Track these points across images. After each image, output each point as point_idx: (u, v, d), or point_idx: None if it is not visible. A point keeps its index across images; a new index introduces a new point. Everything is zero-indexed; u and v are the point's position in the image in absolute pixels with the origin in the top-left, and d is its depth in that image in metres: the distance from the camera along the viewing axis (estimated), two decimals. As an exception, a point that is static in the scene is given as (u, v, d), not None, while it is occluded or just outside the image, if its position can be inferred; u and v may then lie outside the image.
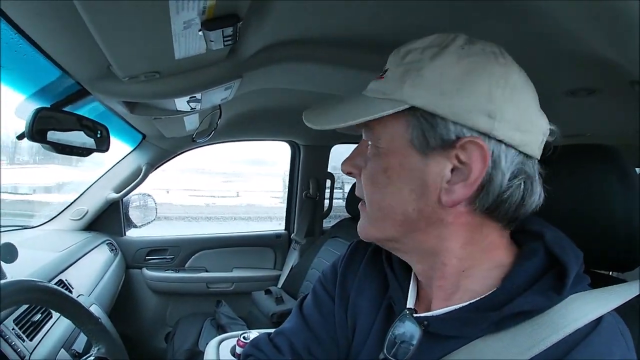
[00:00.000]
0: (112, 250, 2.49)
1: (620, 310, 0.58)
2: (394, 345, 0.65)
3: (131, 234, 2.80)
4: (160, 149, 2.53)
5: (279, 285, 2.83)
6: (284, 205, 3.24)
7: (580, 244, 0.61)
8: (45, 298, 1.03)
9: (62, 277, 1.70)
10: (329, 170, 3.08)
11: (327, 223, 3.18)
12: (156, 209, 2.85)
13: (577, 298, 0.57)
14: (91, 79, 1.07)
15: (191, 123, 1.76)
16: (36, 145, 1.22)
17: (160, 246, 2.83)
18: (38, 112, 1.15)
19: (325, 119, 0.65)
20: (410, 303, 0.69)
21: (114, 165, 2.52)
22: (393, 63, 0.62)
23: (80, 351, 1.44)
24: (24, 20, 0.78)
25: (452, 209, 0.59)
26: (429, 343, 0.62)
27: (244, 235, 3.11)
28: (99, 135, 1.43)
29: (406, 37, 0.63)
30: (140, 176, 2.51)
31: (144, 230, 2.82)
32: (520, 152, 0.57)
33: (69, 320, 1.12)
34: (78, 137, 1.34)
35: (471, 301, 0.60)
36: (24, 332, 1.22)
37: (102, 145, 1.45)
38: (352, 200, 2.42)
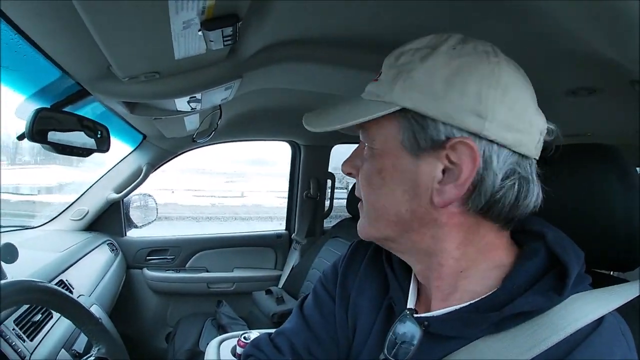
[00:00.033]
0: (113, 250, 2.49)
1: (621, 310, 0.58)
2: (395, 345, 0.65)
3: (132, 234, 2.80)
4: (161, 149, 2.53)
5: (280, 286, 2.84)
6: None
7: (580, 243, 0.61)
8: (45, 298, 1.03)
9: (63, 277, 1.70)
10: (330, 170, 3.08)
11: (328, 223, 3.18)
12: (157, 209, 2.85)
13: (578, 298, 0.57)
14: (91, 79, 1.07)
15: (191, 123, 1.76)
16: (37, 145, 1.22)
17: (161, 246, 2.83)
18: (38, 112, 1.15)
19: (322, 121, 0.66)
20: (410, 303, 0.69)
21: (114, 166, 2.52)
22: (387, 65, 0.63)
23: (81, 351, 1.44)
24: (24, 20, 0.78)
25: (444, 210, 0.59)
26: (429, 343, 0.62)
27: (244, 235, 3.11)
28: (99, 136, 1.43)
29: (406, 37, 0.63)
30: (141, 176, 2.51)
31: (147, 230, 2.82)
32: (515, 152, 0.57)
33: (69, 321, 1.12)
34: (78, 138, 1.34)
35: (471, 301, 0.60)
36: (24, 333, 1.22)
37: (103, 145, 1.45)
38: (353, 200, 2.41)
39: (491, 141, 0.56)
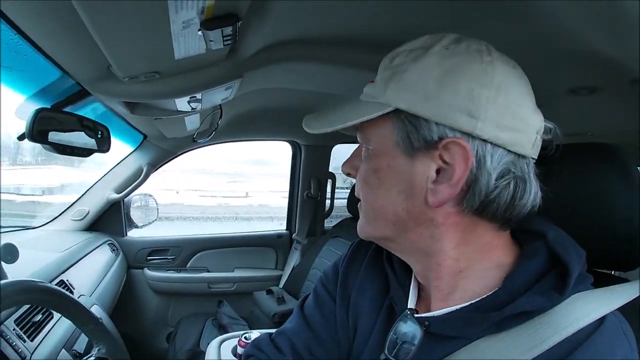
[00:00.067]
0: (114, 250, 2.49)
1: (623, 309, 0.58)
2: (396, 345, 0.65)
3: (132, 234, 2.81)
4: (161, 149, 2.53)
5: (281, 285, 2.84)
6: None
7: (581, 243, 0.61)
8: (45, 298, 1.03)
9: (64, 277, 1.70)
10: (330, 170, 3.08)
11: (329, 223, 3.18)
12: (157, 209, 2.85)
13: (579, 297, 0.57)
14: (91, 79, 1.06)
15: (192, 123, 1.75)
16: (38, 146, 1.22)
17: (162, 246, 2.83)
18: (38, 112, 1.15)
19: (320, 122, 0.67)
20: (411, 303, 0.69)
21: (115, 166, 2.52)
22: (382, 67, 0.63)
23: (81, 351, 1.44)
24: (24, 20, 0.78)
25: (440, 210, 0.59)
26: (430, 343, 0.62)
27: (245, 235, 3.11)
28: (99, 136, 1.43)
29: (406, 37, 0.63)
30: (142, 176, 2.51)
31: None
32: (510, 151, 0.57)
33: (69, 321, 1.12)
34: (79, 138, 1.34)
35: (472, 301, 0.60)
36: (24, 333, 1.22)
37: (103, 145, 1.45)
38: (354, 200, 2.41)
39: (485, 140, 0.56)
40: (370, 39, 1.04)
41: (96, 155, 1.46)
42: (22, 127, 1.17)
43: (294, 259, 2.96)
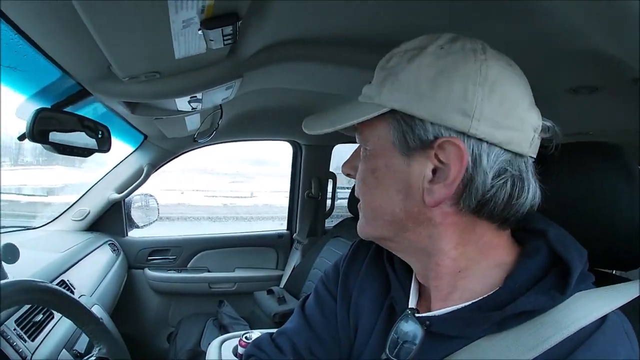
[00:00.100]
0: (114, 250, 2.49)
1: (624, 309, 0.58)
2: (397, 345, 0.64)
3: (133, 234, 2.81)
4: (162, 149, 2.53)
5: (281, 285, 2.83)
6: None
7: (582, 242, 0.61)
8: (46, 298, 1.03)
9: (64, 277, 1.70)
10: (331, 170, 3.08)
11: (330, 223, 3.18)
12: (158, 209, 2.86)
13: (581, 296, 0.57)
14: (92, 79, 1.07)
15: (192, 123, 1.76)
16: (39, 146, 1.22)
17: (163, 246, 2.83)
18: (39, 112, 1.15)
19: (319, 123, 0.67)
20: (412, 303, 0.69)
21: (115, 166, 2.53)
22: (379, 68, 0.64)
23: (82, 352, 1.44)
24: (24, 20, 0.78)
25: (438, 209, 0.59)
26: (431, 343, 0.62)
27: (246, 235, 3.11)
28: (100, 136, 1.43)
29: (406, 37, 0.63)
30: (142, 176, 2.52)
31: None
32: (507, 150, 0.57)
33: (70, 321, 1.12)
34: (79, 138, 1.34)
35: (473, 301, 0.60)
36: (25, 333, 1.22)
37: (104, 145, 1.45)
38: (354, 199, 2.41)
39: (480, 140, 0.56)
40: (370, 39, 1.04)
41: (97, 155, 1.46)
42: (22, 127, 1.17)
43: (294, 259, 2.95)
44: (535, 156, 0.61)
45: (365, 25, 0.99)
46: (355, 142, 0.68)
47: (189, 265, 2.88)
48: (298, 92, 1.66)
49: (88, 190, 2.53)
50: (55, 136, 1.22)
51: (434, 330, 0.62)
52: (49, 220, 2.47)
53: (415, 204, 0.60)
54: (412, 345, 0.63)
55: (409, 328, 0.64)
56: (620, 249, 0.71)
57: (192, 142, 2.22)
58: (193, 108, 1.33)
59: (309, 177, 3.01)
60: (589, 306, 0.56)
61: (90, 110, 1.53)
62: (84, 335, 1.45)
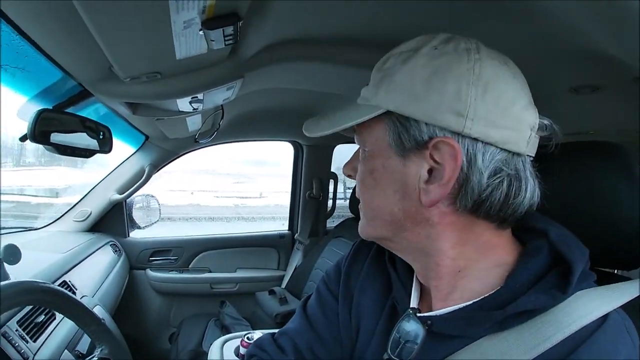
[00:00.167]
0: (116, 251, 2.49)
1: (625, 308, 0.58)
2: (398, 344, 0.64)
3: (135, 235, 2.81)
4: (163, 150, 2.54)
5: (283, 286, 2.83)
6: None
7: (583, 241, 0.61)
8: (48, 299, 1.03)
9: (66, 278, 1.70)
10: (332, 170, 3.08)
11: (331, 223, 3.18)
12: (159, 210, 2.86)
13: (582, 295, 0.57)
14: (93, 80, 1.07)
15: (194, 124, 1.76)
16: (41, 147, 1.22)
17: (164, 247, 2.83)
18: (40, 113, 1.15)
19: (320, 124, 0.68)
20: (413, 303, 0.69)
21: (117, 167, 2.53)
22: (375, 69, 0.64)
23: (84, 352, 1.44)
24: (24, 21, 0.78)
25: (435, 209, 0.59)
26: (432, 343, 0.62)
27: (247, 235, 3.11)
28: (101, 137, 1.43)
29: (406, 37, 0.63)
30: (144, 177, 2.52)
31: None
32: (503, 149, 0.57)
33: (72, 322, 1.12)
34: (81, 139, 1.35)
35: (474, 300, 0.60)
36: (27, 334, 1.22)
37: (105, 146, 1.46)
38: (355, 200, 2.41)
39: (475, 139, 0.56)
40: (371, 39, 1.04)
41: (98, 156, 1.46)
42: (24, 128, 1.17)
43: (296, 259, 2.95)
44: (533, 155, 0.61)
45: (365, 25, 0.99)
46: (355, 143, 0.69)
47: (190, 266, 2.88)
48: (299, 92, 1.66)
49: (90, 191, 2.54)
50: (56, 137, 1.22)
51: (435, 329, 0.62)
52: (51, 221, 2.48)
53: (413, 204, 0.60)
54: (414, 344, 0.63)
55: (411, 328, 0.64)
56: (620, 248, 0.71)
57: (193, 142, 2.22)
58: (194, 108, 1.33)
59: (310, 177, 3.01)
60: (591, 305, 0.56)
61: (91, 111, 1.53)
62: (85, 336, 1.45)
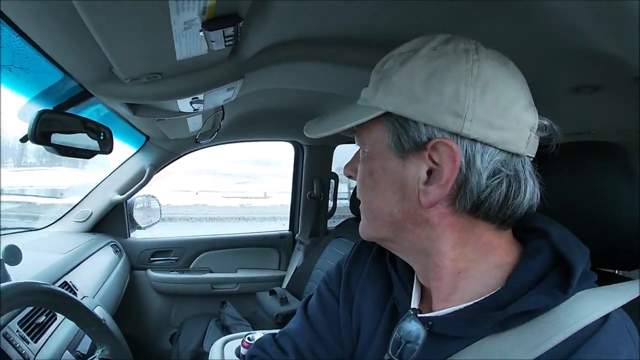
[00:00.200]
0: (117, 251, 2.49)
1: (625, 308, 0.57)
2: (399, 345, 0.64)
3: (135, 235, 2.81)
4: (164, 151, 2.54)
5: (284, 286, 2.83)
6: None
7: (583, 241, 0.61)
8: (48, 300, 1.03)
9: (67, 279, 1.70)
10: (333, 170, 3.08)
11: (332, 223, 3.18)
12: (160, 210, 2.86)
13: (583, 295, 0.57)
14: (93, 81, 1.07)
15: (194, 124, 1.76)
16: (42, 147, 1.22)
17: (165, 247, 2.83)
18: (41, 114, 1.15)
19: (320, 125, 0.68)
20: (414, 303, 0.69)
21: (117, 167, 2.53)
22: (374, 71, 0.64)
23: (85, 353, 1.44)
24: (24, 21, 0.78)
25: (435, 210, 0.59)
26: (433, 343, 0.62)
27: (248, 236, 3.11)
28: (102, 137, 1.43)
29: (406, 37, 0.63)
30: (144, 178, 2.52)
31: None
32: (502, 150, 0.57)
33: (73, 322, 1.12)
34: (81, 139, 1.35)
35: (475, 301, 0.60)
36: (28, 334, 1.22)
37: (106, 147, 1.46)
38: (356, 200, 2.40)
39: (474, 140, 0.56)
40: (371, 39, 1.04)
41: (99, 156, 1.46)
42: (24, 128, 1.17)
43: (296, 260, 2.95)
44: (533, 156, 0.61)
45: (365, 25, 0.99)
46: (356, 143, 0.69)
47: (191, 266, 2.88)
48: (299, 92, 1.67)
49: (90, 192, 2.54)
50: (57, 138, 1.22)
51: (436, 330, 0.62)
52: (52, 222, 2.48)
53: (412, 205, 0.60)
54: (415, 345, 0.63)
55: (412, 328, 0.64)
56: (620, 248, 0.70)
57: (194, 143, 2.22)
58: (195, 109, 1.33)
59: (311, 177, 3.01)
60: (592, 305, 0.55)
61: (92, 112, 1.53)
62: (86, 336, 1.45)
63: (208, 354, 1.59)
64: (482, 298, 0.59)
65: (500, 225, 0.61)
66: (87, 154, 1.39)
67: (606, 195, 0.70)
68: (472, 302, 0.60)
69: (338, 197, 3.25)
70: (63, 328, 1.40)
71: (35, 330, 1.27)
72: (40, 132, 1.15)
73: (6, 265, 1.26)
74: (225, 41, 0.82)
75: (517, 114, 0.56)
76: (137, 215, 2.77)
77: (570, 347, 0.52)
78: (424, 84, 0.56)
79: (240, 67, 1.11)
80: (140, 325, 2.73)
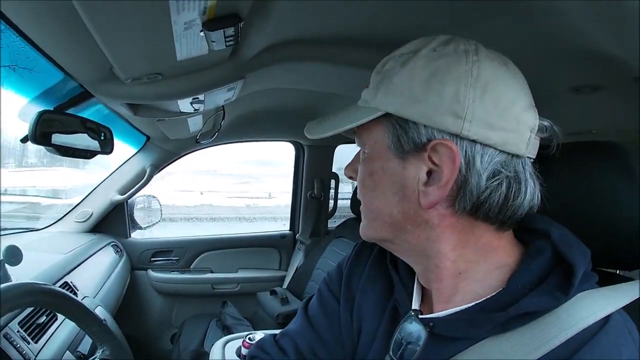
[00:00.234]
0: (117, 252, 2.49)
1: (626, 309, 0.57)
2: (400, 346, 0.64)
3: (136, 235, 2.81)
4: (164, 151, 2.54)
5: (284, 286, 2.84)
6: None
7: (584, 242, 0.61)
8: (49, 301, 1.03)
9: (68, 279, 1.70)
10: (334, 170, 3.08)
11: (332, 223, 3.18)
12: (161, 210, 2.86)
13: (584, 296, 0.57)
14: (93, 81, 1.07)
15: (195, 124, 1.76)
16: (43, 148, 1.22)
17: (166, 247, 2.84)
18: (41, 114, 1.15)
19: (321, 126, 0.68)
20: (415, 305, 0.69)
21: (118, 167, 2.53)
22: (375, 72, 0.64)
23: (86, 353, 1.44)
24: (24, 21, 0.78)
25: (434, 211, 0.59)
26: (435, 345, 0.62)
27: (248, 236, 3.11)
28: (102, 138, 1.43)
29: (406, 37, 0.63)
30: (145, 178, 2.52)
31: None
32: (502, 151, 0.56)
33: (73, 323, 1.12)
34: (82, 140, 1.35)
35: (476, 302, 0.60)
36: (29, 335, 1.22)
37: (106, 147, 1.46)
38: (357, 199, 2.40)
39: (473, 141, 0.55)
40: (371, 39, 1.04)
41: (100, 157, 1.46)
42: (25, 129, 1.17)
43: (297, 260, 2.95)
44: (533, 157, 0.60)
45: (365, 25, 0.99)
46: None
47: (192, 267, 2.88)
48: (300, 92, 1.67)
49: (91, 192, 2.54)
50: (57, 138, 1.22)
51: (437, 331, 0.62)
52: (52, 222, 2.48)
53: (412, 206, 0.60)
54: (416, 346, 0.63)
55: (413, 329, 0.64)
56: (620, 248, 0.70)
57: (194, 143, 2.23)
58: (195, 109, 1.33)
59: (312, 177, 3.01)
60: (593, 306, 0.55)
61: (92, 112, 1.53)
62: (87, 337, 1.45)
63: (209, 354, 1.59)
64: (483, 299, 0.59)
65: (501, 227, 0.61)
66: (87, 154, 1.39)
67: (606, 195, 0.70)
68: (473, 304, 0.60)
69: (342, 197, 3.25)
70: (64, 328, 1.40)
71: (36, 331, 1.27)
72: (40, 133, 1.15)
73: (7, 266, 1.26)
74: (225, 41, 0.82)
75: (517, 115, 0.56)
76: (138, 216, 2.77)
77: (571, 348, 0.52)
78: (424, 84, 0.56)
79: (241, 67, 1.11)
80: (141, 326, 2.74)
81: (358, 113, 0.63)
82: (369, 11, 0.91)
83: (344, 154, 3.05)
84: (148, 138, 2.38)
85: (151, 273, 2.75)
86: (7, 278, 1.24)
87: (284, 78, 1.35)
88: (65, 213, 2.50)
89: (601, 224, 0.70)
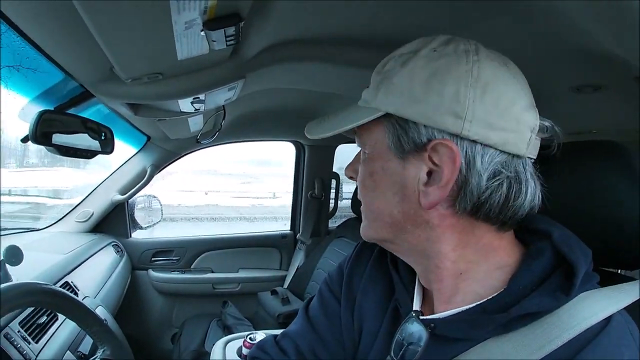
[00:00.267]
0: (118, 252, 2.49)
1: (628, 309, 0.57)
2: (401, 347, 0.64)
3: (137, 235, 2.81)
4: (165, 151, 2.54)
5: (285, 286, 2.84)
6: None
7: (585, 241, 0.60)
8: (49, 301, 1.03)
9: (68, 279, 1.70)
10: (334, 170, 3.08)
11: (333, 223, 3.18)
12: (161, 210, 2.86)
13: (586, 297, 0.57)
14: (94, 81, 1.07)
15: (195, 124, 1.76)
16: (44, 148, 1.22)
17: (166, 247, 2.84)
18: (42, 114, 1.15)
19: (322, 126, 0.68)
20: (416, 305, 0.69)
21: (119, 167, 2.54)
22: (375, 72, 0.64)
23: (86, 353, 1.44)
24: (24, 21, 0.78)
25: (435, 212, 0.59)
26: (436, 345, 0.61)
27: (249, 236, 3.11)
28: (103, 138, 1.43)
29: (406, 37, 0.63)
30: (145, 178, 2.53)
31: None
32: (502, 151, 0.56)
33: (74, 323, 1.12)
34: (82, 140, 1.35)
35: (477, 303, 0.60)
36: (29, 335, 1.22)
37: (107, 147, 1.46)
38: (357, 199, 2.40)
39: (474, 141, 0.55)
40: (371, 39, 1.04)
41: (100, 157, 1.46)
42: (25, 129, 1.17)
43: (298, 259, 2.96)
44: (534, 157, 0.60)
45: (365, 25, 0.99)
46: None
47: (192, 266, 2.88)
48: (300, 92, 1.67)
49: (92, 192, 2.54)
50: (58, 138, 1.22)
51: (438, 332, 0.61)
52: (53, 222, 2.48)
53: (412, 207, 0.60)
54: (417, 347, 0.62)
55: (414, 330, 0.64)
56: (621, 248, 0.70)
57: (195, 143, 2.22)
58: (196, 109, 1.33)
59: (312, 177, 3.01)
60: (594, 306, 0.55)
61: (93, 112, 1.53)
62: (88, 337, 1.45)
63: (209, 354, 1.59)
64: (484, 300, 0.59)
65: (501, 227, 0.60)
66: (88, 154, 1.39)
67: (607, 195, 0.70)
68: (474, 304, 0.60)
69: (344, 197, 3.25)
70: (64, 328, 1.41)
71: (37, 331, 1.27)
72: (41, 133, 1.15)
73: (7, 266, 1.26)
74: (226, 41, 0.82)
75: (517, 115, 0.56)
76: (139, 215, 2.77)
77: (573, 349, 0.52)
78: (424, 85, 0.56)
79: (242, 67, 1.11)
80: (142, 326, 2.74)
81: (358, 113, 0.62)
82: (369, 11, 0.91)
83: (344, 154, 3.05)
84: (149, 138, 2.38)
85: (152, 273, 2.75)
86: (7, 278, 1.24)
87: (284, 78, 1.35)
88: (66, 213, 2.50)
89: (602, 224, 0.70)
